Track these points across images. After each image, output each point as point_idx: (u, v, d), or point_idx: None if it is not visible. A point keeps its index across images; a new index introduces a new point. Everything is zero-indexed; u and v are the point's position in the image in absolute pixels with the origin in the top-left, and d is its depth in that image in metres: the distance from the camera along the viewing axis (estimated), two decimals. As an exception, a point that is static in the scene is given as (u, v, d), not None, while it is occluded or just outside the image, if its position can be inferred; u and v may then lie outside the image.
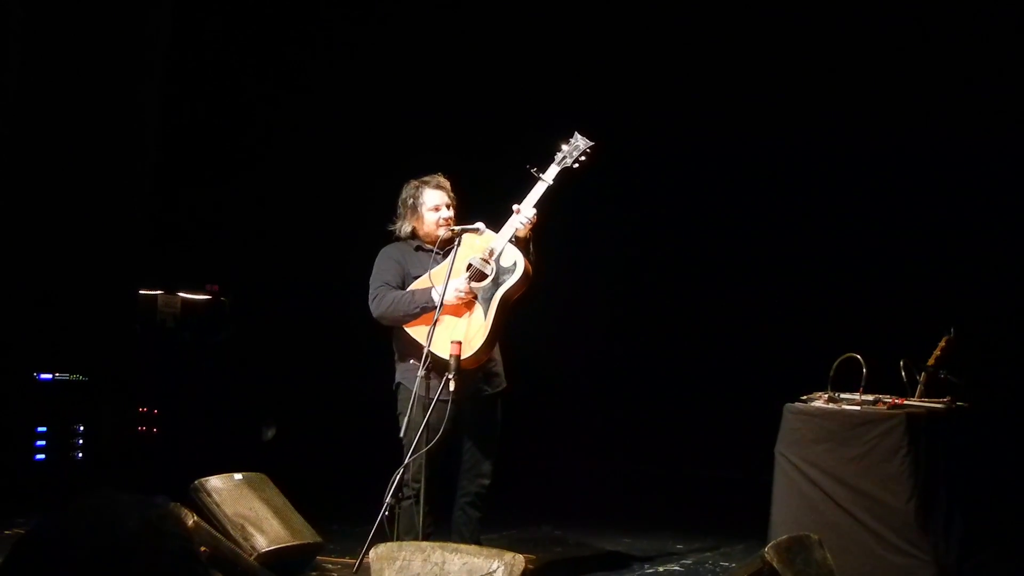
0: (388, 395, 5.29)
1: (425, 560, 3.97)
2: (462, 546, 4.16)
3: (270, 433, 8.31)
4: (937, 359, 5.42)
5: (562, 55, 6.60)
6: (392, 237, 5.38)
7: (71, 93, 6.76)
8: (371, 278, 5.26)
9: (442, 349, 4.97)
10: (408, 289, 5.18)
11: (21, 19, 6.22)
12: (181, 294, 8.06)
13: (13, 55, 6.27)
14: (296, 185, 7.16)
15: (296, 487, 5.49)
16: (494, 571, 3.92)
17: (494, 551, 4.04)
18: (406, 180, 5.37)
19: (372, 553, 4.08)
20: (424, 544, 4.13)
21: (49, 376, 7.11)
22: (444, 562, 3.96)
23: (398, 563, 3.99)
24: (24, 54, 6.34)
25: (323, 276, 6.66)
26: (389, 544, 4.14)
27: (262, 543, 4.98)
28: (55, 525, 1.41)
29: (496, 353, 5.25)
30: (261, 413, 7.99)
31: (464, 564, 3.94)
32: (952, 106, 6.12)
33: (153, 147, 7.44)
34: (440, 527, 5.14)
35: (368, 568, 4.08)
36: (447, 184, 5.33)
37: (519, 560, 3.95)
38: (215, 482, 5.20)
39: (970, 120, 6.03)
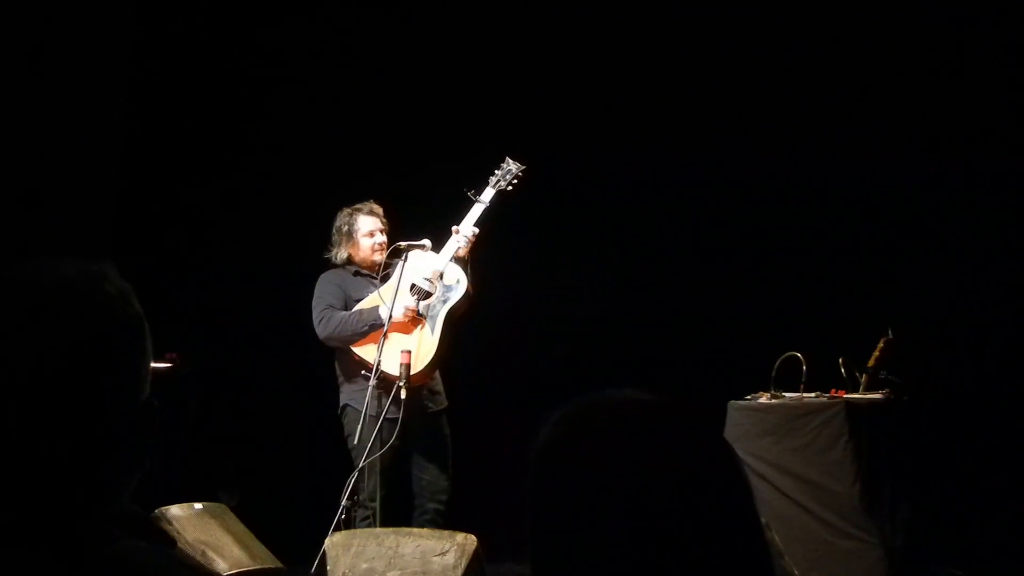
0: (336, 422, 5.39)
1: (379, 544, 4.06)
2: (415, 530, 4.26)
3: (233, 501, 8.30)
4: (876, 360, 5.56)
5: (495, 74, 6.77)
6: (328, 265, 5.52)
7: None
8: (314, 302, 5.38)
9: (391, 366, 5.09)
10: (355, 309, 5.32)
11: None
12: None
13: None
14: (228, 225, 7.12)
15: (255, 519, 5.53)
16: (446, 551, 4.00)
17: (446, 533, 4.14)
18: (338, 207, 5.53)
19: (327, 542, 4.17)
20: (377, 530, 4.23)
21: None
22: (398, 545, 4.05)
23: (353, 549, 4.08)
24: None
25: (266, 320, 6.68)
26: (343, 532, 4.22)
27: (223, 567, 5.02)
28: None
29: (435, 372, 5.38)
30: (222, 477, 7.99)
31: (417, 546, 4.04)
32: (887, 111, 6.31)
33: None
34: None
35: (325, 556, 4.14)
36: (380, 210, 5.50)
37: (471, 540, 4.05)
38: (175, 511, 5.25)
39: (904, 125, 6.22)
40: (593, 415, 1.31)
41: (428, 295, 5.24)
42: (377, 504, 5.03)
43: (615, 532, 1.23)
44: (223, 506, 5.52)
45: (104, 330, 1.28)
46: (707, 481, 1.27)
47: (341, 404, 5.38)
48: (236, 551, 5.20)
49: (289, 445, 6.78)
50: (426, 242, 5.27)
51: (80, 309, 1.28)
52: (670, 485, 1.24)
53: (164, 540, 1.33)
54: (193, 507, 5.38)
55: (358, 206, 5.50)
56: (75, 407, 1.24)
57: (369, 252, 5.44)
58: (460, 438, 5.43)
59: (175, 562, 1.30)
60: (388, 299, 5.18)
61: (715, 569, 1.23)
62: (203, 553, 5.06)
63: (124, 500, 1.32)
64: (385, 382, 5.09)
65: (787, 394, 5.37)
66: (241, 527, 5.42)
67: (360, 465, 4.92)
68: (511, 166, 5.43)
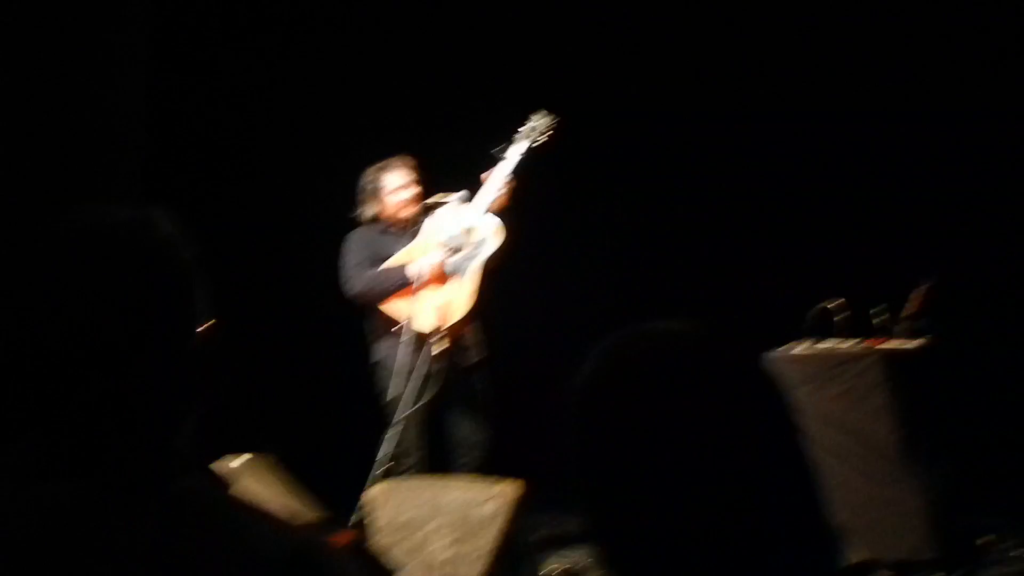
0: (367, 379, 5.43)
1: (419, 495, 4.09)
2: (456, 480, 4.28)
3: (274, 454, 8.37)
4: (915, 308, 5.52)
5: (526, 26, 6.74)
6: (356, 223, 5.52)
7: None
8: (342, 261, 5.40)
9: (423, 321, 5.11)
10: (384, 266, 5.32)
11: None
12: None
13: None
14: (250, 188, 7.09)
15: (296, 472, 5.58)
16: (487, 501, 4.04)
17: (487, 482, 4.16)
18: (367, 165, 5.52)
19: (368, 494, 4.20)
20: (417, 481, 4.26)
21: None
22: (438, 496, 4.08)
23: (393, 500, 4.12)
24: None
25: (301, 278, 6.69)
26: (384, 483, 4.26)
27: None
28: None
29: (470, 325, 5.38)
30: (263, 431, 8.05)
31: (458, 496, 4.07)
32: (926, 50, 6.22)
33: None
34: None
35: (366, 508, 4.19)
36: (408, 163, 5.48)
37: (512, 489, 4.07)
38: (219, 464, 5.32)
39: (939, 66, 6.14)
40: (636, 346, 1.32)
41: (459, 249, 5.23)
42: (416, 458, 5.07)
43: (661, 462, 1.24)
44: (265, 458, 5.57)
45: (154, 273, 1.31)
46: (752, 408, 1.27)
47: (374, 360, 5.40)
48: (280, 503, 5.26)
49: (330, 399, 6.82)
50: (457, 196, 5.26)
51: (131, 253, 1.30)
52: (715, 413, 1.25)
53: (219, 481, 1.35)
54: (236, 460, 5.44)
55: (384, 163, 5.48)
56: (128, 350, 1.27)
57: (397, 209, 5.43)
58: (498, 390, 5.45)
59: (232, 500, 1.33)
60: (418, 255, 5.19)
61: (762, 492, 1.24)
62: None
63: (180, 441, 1.34)
64: (418, 337, 5.10)
65: (823, 343, 5.35)
66: (283, 479, 5.48)
67: (397, 420, 4.96)
68: (541, 119, 5.39)
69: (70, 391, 1.26)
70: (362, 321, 5.47)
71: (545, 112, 5.41)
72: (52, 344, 1.26)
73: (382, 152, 5.55)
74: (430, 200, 5.30)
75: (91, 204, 1.38)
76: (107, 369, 1.27)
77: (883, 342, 5.30)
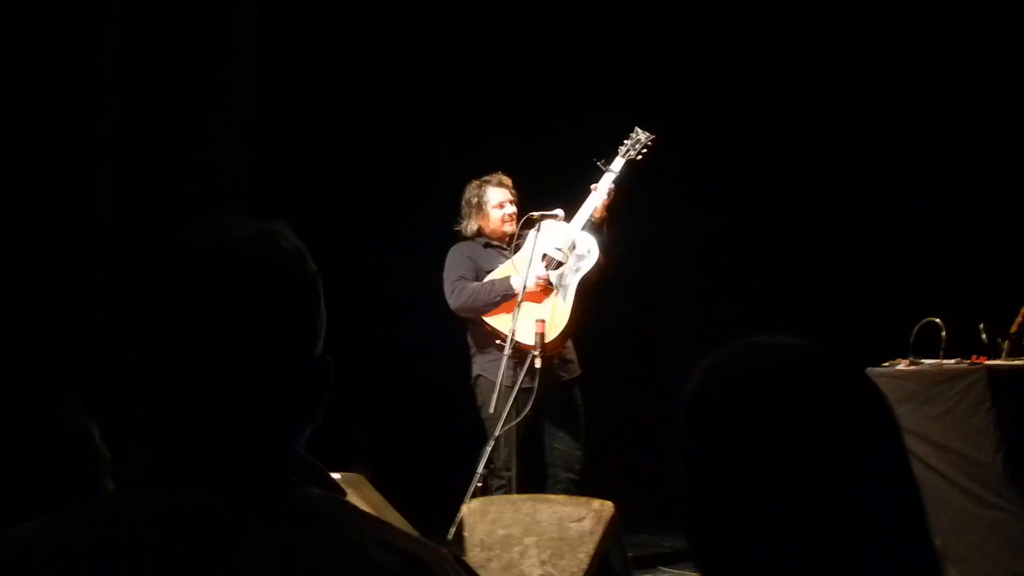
0: (468, 392, 5.44)
1: (516, 511, 4.09)
2: (551, 496, 4.28)
3: (368, 471, 8.43)
4: (1020, 325, 5.40)
5: (623, 41, 6.74)
6: (459, 237, 5.56)
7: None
8: (445, 273, 5.45)
9: (525, 336, 5.13)
10: (487, 279, 5.36)
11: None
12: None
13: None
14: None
15: (390, 489, 5.61)
16: (583, 518, 4.03)
17: (583, 500, 4.15)
18: (467, 179, 5.57)
19: (464, 508, 4.21)
20: (514, 496, 4.27)
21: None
22: (535, 512, 4.07)
23: (490, 515, 4.12)
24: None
25: (398, 292, 6.71)
26: (480, 499, 4.27)
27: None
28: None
29: (568, 341, 5.39)
30: (356, 449, 8.12)
31: (554, 513, 4.06)
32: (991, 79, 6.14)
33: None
34: None
35: (462, 523, 4.20)
36: (509, 181, 5.54)
37: (608, 507, 4.06)
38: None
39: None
40: (743, 361, 1.31)
41: (560, 264, 5.26)
42: (512, 473, 5.08)
43: (767, 478, 1.23)
44: (359, 476, 5.61)
45: (281, 286, 1.34)
46: (861, 425, 1.26)
47: (474, 375, 5.43)
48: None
49: (423, 416, 6.86)
50: (559, 212, 5.29)
51: (259, 265, 1.33)
52: (823, 429, 1.24)
53: (336, 489, 1.37)
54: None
55: (487, 178, 5.54)
56: (253, 360, 1.29)
57: (499, 223, 5.48)
58: (593, 407, 5.44)
59: (349, 508, 1.35)
60: (520, 269, 5.22)
61: (870, 511, 1.22)
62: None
63: (299, 450, 1.36)
64: (519, 352, 5.12)
65: (926, 360, 5.25)
66: (378, 496, 5.50)
67: (495, 435, 4.97)
68: (640, 135, 5.42)
69: (200, 400, 1.30)
70: (464, 334, 5.50)
71: (643, 129, 5.42)
72: (183, 356, 1.29)
73: (481, 166, 5.60)
74: (534, 214, 5.32)
75: (216, 217, 1.41)
76: (237, 379, 1.30)
77: (987, 360, 5.19)
